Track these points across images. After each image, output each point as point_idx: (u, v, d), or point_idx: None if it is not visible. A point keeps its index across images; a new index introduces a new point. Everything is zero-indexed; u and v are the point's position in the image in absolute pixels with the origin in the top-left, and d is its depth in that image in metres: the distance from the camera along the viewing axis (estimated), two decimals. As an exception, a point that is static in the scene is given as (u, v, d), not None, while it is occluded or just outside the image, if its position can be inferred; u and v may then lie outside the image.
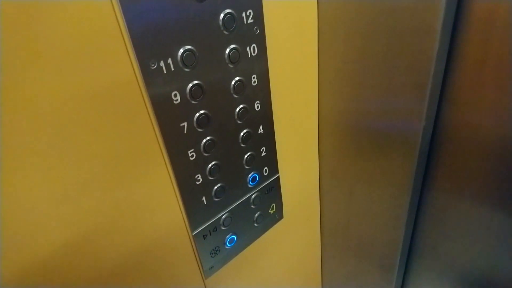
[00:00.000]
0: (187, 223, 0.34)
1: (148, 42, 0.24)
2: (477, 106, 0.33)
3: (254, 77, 0.32)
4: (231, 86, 0.31)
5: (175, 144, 0.29)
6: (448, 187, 0.39)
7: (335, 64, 0.39)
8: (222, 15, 0.27)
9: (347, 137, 0.44)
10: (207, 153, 0.32)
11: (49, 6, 0.20)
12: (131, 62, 0.24)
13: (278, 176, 0.41)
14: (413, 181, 0.40)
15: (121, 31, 0.23)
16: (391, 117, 0.38)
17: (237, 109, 0.33)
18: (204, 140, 0.31)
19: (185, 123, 0.29)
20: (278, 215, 0.45)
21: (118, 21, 0.23)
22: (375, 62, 0.36)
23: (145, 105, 0.26)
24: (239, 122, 0.34)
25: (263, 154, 0.38)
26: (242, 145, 0.35)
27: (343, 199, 0.50)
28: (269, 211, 0.43)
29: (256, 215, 0.41)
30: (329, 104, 0.42)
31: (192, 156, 0.31)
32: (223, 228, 0.38)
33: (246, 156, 0.36)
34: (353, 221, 0.51)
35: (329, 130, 0.45)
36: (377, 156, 0.42)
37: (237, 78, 0.31)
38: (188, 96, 0.28)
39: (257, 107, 0.34)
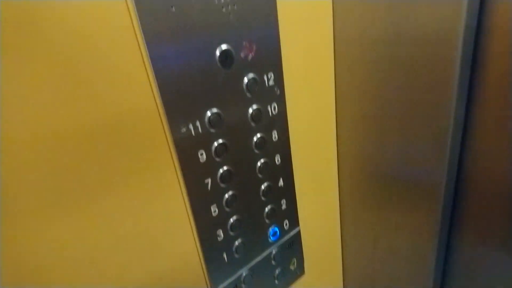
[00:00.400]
0: (208, 281, 0.34)
1: (180, 108, 0.27)
2: (501, 153, 0.33)
3: (274, 133, 0.34)
4: (253, 143, 0.33)
5: (199, 201, 0.31)
6: (475, 237, 0.39)
7: (353, 113, 0.41)
8: (246, 80, 0.30)
9: (368, 186, 0.44)
10: (229, 207, 0.33)
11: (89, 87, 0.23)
12: (163, 128, 0.26)
13: (299, 229, 0.41)
14: (439, 230, 0.39)
15: (155, 100, 0.26)
16: (413, 164, 0.38)
17: (259, 164, 0.34)
18: (227, 195, 0.33)
19: (209, 179, 0.31)
20: (299, 271, 0.44)
21: (152, 90, 0.25)
22: (394, 110, 0.37)
23: (173, 164, 0.28)
24: (260, 176, 0.35)
25: (283, 207, 0.39)
26: (263, 198, 0.36)
27: (366, 250, 0.49)
28: (290, 266, 0.42)
29: (277, 271, 0.40)
30: (348, 153, 0.44)
31: (214, 211, 0.32)
32: (243, 286, 0.37)
33: (266, 210, 0.37)
34: (377, 273, 0.49)
35: (349, 179, 0.45)
36: (400, 204, 0.42)
37: (258, 135, 0.33)
38: (213, 154, 0.30)
39: (278, 160, 0.36)
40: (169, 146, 0.28)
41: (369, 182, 0.44)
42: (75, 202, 0.24)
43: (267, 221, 0.37)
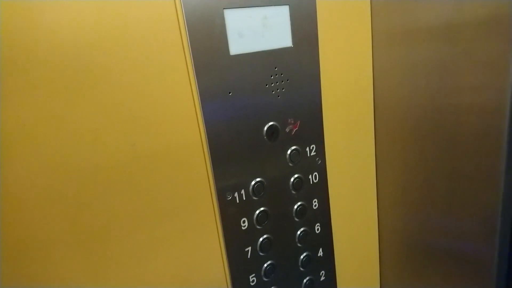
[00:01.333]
0: None
1: (228, 178, 0.30)
2: None
3: (315, 201, 0.36)
4: (294, 211, 0.34)
5: (239, 269, 0.32)
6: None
7: (394, 184, 0.41)
8: (289, 151, 0.33)
9: (410, 259, 0.43)
10: (267, 278, 0.34)
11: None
12: (211, 195, 0.29)
13: (338, 304, 0.40)
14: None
15: (206, 169, 0.29)
16: (458, 238, 0.37)
17: (298, 232, 0.35)
18: (265, 265, 0.33)
19: (250, 248, 0.32)
20: None
21: (205, 161, 0.29)
22: (437, 181, 0.37)
23: (217, 231, 0.30)
24: (299, 245, 0.36)
25: (322, 278, 0.38)
26: (302, 269, 0.36)
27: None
28: None
29: None
30: (389, 224, 0.43)
31: (253, 281, 0.33)
32: None
33: (305, 281, 0.37)
34: None
35: (391, 251, 0.44)
36: (444, 280, 0.40)
37: (299, 203, 0.35)
38: (254, 222, 0.32)
39: (317, 229, 0.37)
40: (215, 215, 0.30)
41: (411, 255, 0.42)
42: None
43: (305, 294, 0.37)
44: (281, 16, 0.28)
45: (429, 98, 0.35)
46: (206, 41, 0.26)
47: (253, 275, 0.33)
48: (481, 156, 0.34)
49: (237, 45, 0.27)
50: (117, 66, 0.24)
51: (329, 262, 0.39)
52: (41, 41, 0.22)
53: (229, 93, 0.27)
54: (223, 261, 0.31)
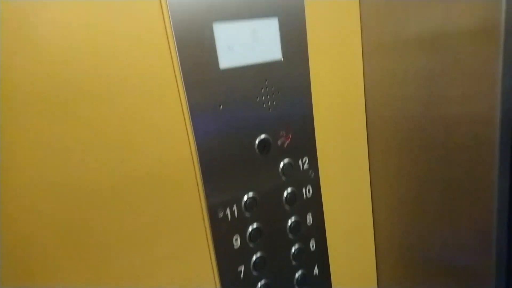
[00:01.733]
0: None
1: (219, 194, 0.29)
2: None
3: (309, 216, 0.35)
4: (287, 227, 0.34)
5: (232, 290, 0.31)
6: None
7: (389, 196, 0.42)
8: (281, 164, 0.32)
9: (408, 273, 0.42)
10: (261, 298, 0.33)
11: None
12: (202, 213, 0.29)
13: (336, 323, 0.39)
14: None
15: (198, 188, 0.28)
16: (455, 249, 0.37)
17: (293, 249, 0.35)
18: (259, 285, 0.33)
19: (242, 267, 0.31)
20: None
21: (196, 178, 0.28)
22: (431, 192, 0.37)
23: (209, 251, 0.29)
24: (294, 263, 0.35)
25: (319, 298, 0.38)
26: (297, 287, 0.36)
27: None
28: None
29: None
30: (385, 238, 0.43)
31: (246, 302, 0.32)
32: None
33: (301, 301, 0.36)
34: None
35: (388, 266, 0.44)
36: None
37: (293, 219, 0.34)
38: (247, 239, 0.31)
39: (312, 246, 0.36)
40: (206, 234, 0.29)
41: (408, 267, 0.42)
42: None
43: (301, 314, 0.36)
44: (270, 29, 0.28)
45: (420, 108, 0.36)
46: (196, 55, 0.26)
47: (247, 295, 0.32)
48: (474, 166, 0.34)
49: (227, 59, 0.27)
50: (105, 81, 0.24)
51: (325, 280, 0.38)
52: (26, 56, 0.21)
53: (220, 106, 0.27)
54: (215, 282, 0.30)
